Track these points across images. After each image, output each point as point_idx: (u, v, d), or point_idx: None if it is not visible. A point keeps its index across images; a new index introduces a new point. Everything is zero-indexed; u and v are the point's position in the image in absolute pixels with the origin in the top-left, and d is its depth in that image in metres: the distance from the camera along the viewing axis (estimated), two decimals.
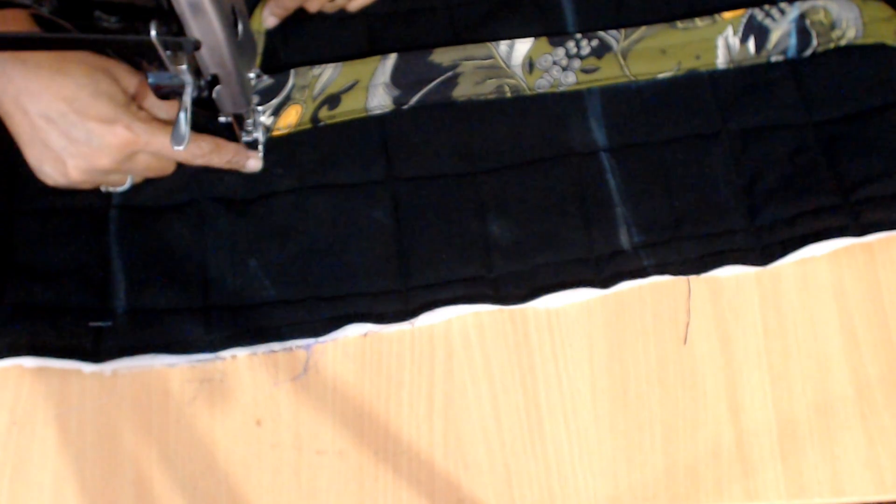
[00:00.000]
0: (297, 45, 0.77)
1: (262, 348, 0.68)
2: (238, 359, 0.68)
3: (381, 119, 0.74)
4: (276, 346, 0.68)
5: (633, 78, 0.75)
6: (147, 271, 0.69)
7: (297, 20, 0.77)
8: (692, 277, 0.70)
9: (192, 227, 0.70)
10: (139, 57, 0.58)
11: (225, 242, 0.70)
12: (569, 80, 0.75)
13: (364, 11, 0.78)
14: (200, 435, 0.67)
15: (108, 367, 0.67)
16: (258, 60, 0.75)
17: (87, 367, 0.67)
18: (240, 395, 0.67)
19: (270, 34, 0.76)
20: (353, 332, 0.69)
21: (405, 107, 0.74)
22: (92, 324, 0.67)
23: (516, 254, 0.69)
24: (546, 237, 0.70)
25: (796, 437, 0.65)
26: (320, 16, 0.78)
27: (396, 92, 0.75)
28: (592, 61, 0.76)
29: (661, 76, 0.75)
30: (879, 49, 0.75)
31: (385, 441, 0.66)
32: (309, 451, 0.66)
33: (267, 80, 0.74)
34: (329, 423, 0.67)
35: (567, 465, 0.65)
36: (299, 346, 0.68)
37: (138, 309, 0.68)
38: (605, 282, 0.69)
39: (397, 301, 0.68)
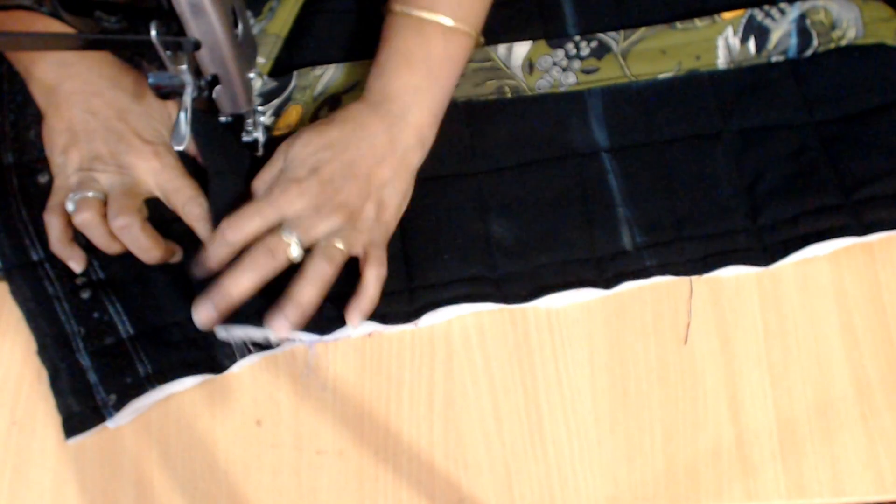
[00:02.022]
0: (299, 45, 0.77)
1: (267, 353, 0.68)
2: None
3: None
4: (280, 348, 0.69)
5: (633, 78, 0.75)
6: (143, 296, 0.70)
7: (300, 23, 0.77)
8: (693, 278, 0.70)
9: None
10: (139, 57, 0.58)
11: None
12: (569, 81, 0.75)
13: (364, 10, 0.79)
14: (200, 435, 0.67)
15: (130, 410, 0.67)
16: (269, 66, 0.75)
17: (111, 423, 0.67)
18: (240, 395, 0.67)
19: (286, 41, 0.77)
20: (357, 331, 0.69)
21: None
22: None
23: (519, 253, 0.69)
24: (548, 237, 0.70)
25: (796, 437, 0.65)
26: (322, 15, 0.78)
27: None
28: (592, 62, 0.76)
29: (661, 76, 0.75)
30: (880, 49, 0.75)
31: (385, 441, 0.66)
32: (309, 451, 0.66)
33: (270, 83, 0.74)
34: (329, 423, 0.67)
35: (567, 465, 0.65)
36: (301, 340, 0.68)
37: (146, 333, 0.68)
38: (607, 282, 0.69)
39: (401, 301, 0.68)
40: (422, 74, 0.68)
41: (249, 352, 0.68)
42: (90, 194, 0.66)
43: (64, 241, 0.68)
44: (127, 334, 0.68)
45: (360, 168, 0.65)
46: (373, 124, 0.67)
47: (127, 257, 0.68)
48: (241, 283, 0.62)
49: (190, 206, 0.68)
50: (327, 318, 0.67)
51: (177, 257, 0.69)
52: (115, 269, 0.70)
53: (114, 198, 0.66)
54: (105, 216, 0.66)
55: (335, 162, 0.65)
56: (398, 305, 0.68)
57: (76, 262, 0.68)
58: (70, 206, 0.66)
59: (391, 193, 0.67)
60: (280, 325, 0.62)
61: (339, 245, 0.64)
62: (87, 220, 0.66)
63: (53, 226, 0.67)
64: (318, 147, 0.66)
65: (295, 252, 0.63)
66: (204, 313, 0.62)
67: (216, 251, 0.63)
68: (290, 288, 0.62)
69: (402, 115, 0.68)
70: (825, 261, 0.70)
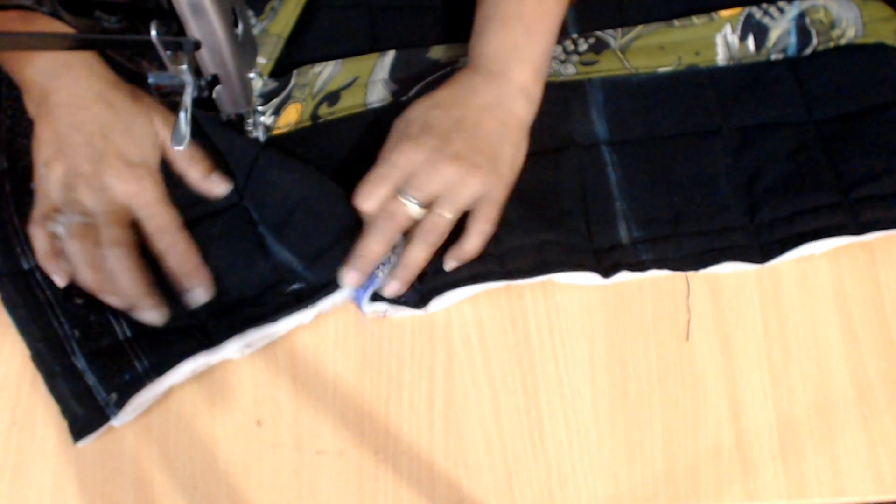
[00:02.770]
0: (301, 43, 0.77)
1: (266, 336, 0.68)
2: (238, 358, 0.68)
3: (379, 112, 0.74)
4: (308, 313, 0.69)
5: (633, 70, 0.75)
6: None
7: (301, 20, 0.77)
8: (692, 277, 0.70)
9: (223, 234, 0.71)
10: (139, 57, 0.58)
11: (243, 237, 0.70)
12: (568, 71, 0.75)
13: (366, 6, 0.79)
14: (200, 435, 0.67)
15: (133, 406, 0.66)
16: (270, 67, 0.75)
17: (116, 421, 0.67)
18: (240, 395, 0.67)
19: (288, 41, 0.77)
20: (370, 308, 0.69)
21: (404, 98, 0.74)
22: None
23: (521, 229, 0.69)
24: (550, 219, 0.70)
25: (796, 437, 0.65)
26: (324, 12, 0.78)
27: (395, 87, 0.75)
28: (590, 56, 0.76)
29: (661, 70, 0.75)
30: (879, 49, 0.75)
31: (385, 441, 0.66)
32: (309, 452, 0.66)
33: (270, 83, 0.74)
34: (329, 423, 0.67)
35: (567, 464, 0.65)
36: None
37: (145, 334, 0.68)
38: (605, 271, 0.69)
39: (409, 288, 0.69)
40: (518, 32, 0.70)
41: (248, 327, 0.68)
42: (78, 219, 0.66)
43: (50, 255, 0.67)
44: (124, 336, 0.67)
45: (468, 121, 0.67)
46: (477, 83, 0.69)
47: None
48: (374, 249, 0.67)
49: (159, 235, 0.68)
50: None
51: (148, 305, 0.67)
52: None
53: (105, 225, 0.66)
54: (94, 242, 0.66)
55: (445, 117, 0.67)
56: (406, 292, 0.69)
57: (60, 277, 0.67)
58: (60, 230, 0.66)
59: (503, 146, 0.68)
60: (392, 287, 0.67)
61: (447, 214, 0.66)
62: (75, 249, 0.66)
63: (39, 238, 0.67)
64: (427, 107, 0.68)
65: (414, 212, 0.66)
66: (350, 278, 0.67)
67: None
68: (404, 252, 0.67)
69: (503, 71, 0.69)
70: (825, 260, 0.70)
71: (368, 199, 0.66)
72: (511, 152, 0.68)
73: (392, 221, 0.66)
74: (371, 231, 0.67)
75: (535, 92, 0.71)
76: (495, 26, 0.70)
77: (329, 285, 0.68)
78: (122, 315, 0.68)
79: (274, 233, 0.69)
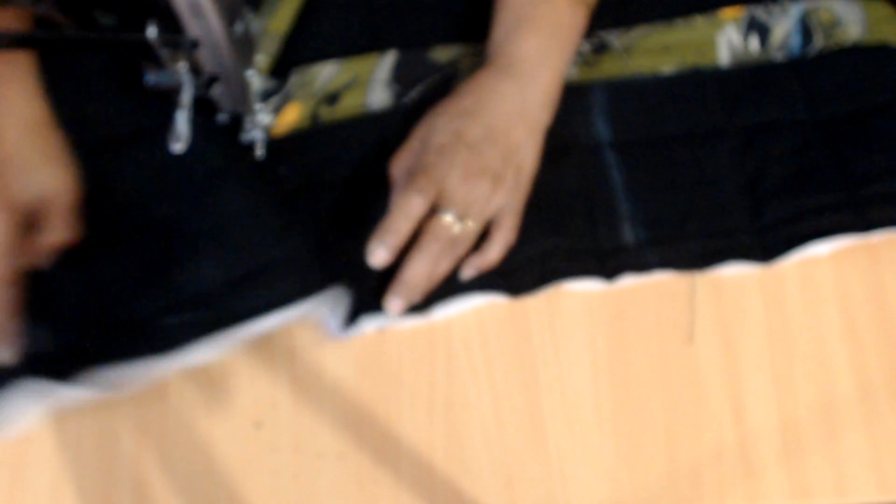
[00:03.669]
0: (300, 41, 0.76)
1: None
2: (237, 360, 0.68)
3: (380, 114, 0.74)
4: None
5: (636, 71, 0.75)
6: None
7: (301, 18, 0.77)
8: (696, 279, 0.69)
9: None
10: (138, 56, 0.58)
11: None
12: (571, 73, 0.75)
13: (366, 5, 0.78)
14: (199, 437, 0.66)
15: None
16: (269, 64, 0.75)
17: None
18: (238, 397, 0.67)
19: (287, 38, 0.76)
20: (369, 325, 0.68)
21: (405, 99, 0.74)
22: None
23: (526, 237, 0.69)
24: (554, 224, 0.70)
25: (799, 438, 0.65)
26: (324, 10, 0.78)
27: (396, 87, 0.74)
28: (593, 57, 0.76)
29: (664, 71, 0.75)
30: (883, 49, 0.74)
31: (385, 443, 0.66)
32: (308, 454, 0.66)
33: (269, 82, 0.74)
34: (328, 426, 0.66)
35: (569, 467, 0.65)
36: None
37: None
38: (609, 273, 0.69)
39: None
40: (551, 38, 0.69)
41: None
42: None
43: None
44: None
45: (497, 132, 0.67)
46: (503, 87, 0.68)
47: None
48: (420, 271, 0.65)
49: None
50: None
51: None
52: None
53: None
54: None
55: (475, 126, 0.66)
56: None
57: None
58: None
59: (526, 156, 0.68)
60: (402, 300, 0.66)
61: (474, 226, 0.66)
62: None
63: None
64: (454, 115, 0.67)
65: (456, 228, 0.65)
66: (396, 304, 0.66)
67: (391, 239, 0.64)
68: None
69: (532, 75, 0.68)
70: (828, 262, 0.70)
71: (406, 215, 0.64)
72: (532, 160, 0.68)
73: (437, 242, 0.65)
74: (416, 255, 0.65)
75: (556, 97, 0.70)
76: (530, 29, 0.69)
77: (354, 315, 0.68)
78: None
79: (209, 242, 0.68)
